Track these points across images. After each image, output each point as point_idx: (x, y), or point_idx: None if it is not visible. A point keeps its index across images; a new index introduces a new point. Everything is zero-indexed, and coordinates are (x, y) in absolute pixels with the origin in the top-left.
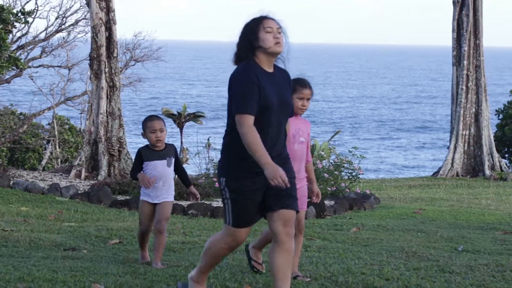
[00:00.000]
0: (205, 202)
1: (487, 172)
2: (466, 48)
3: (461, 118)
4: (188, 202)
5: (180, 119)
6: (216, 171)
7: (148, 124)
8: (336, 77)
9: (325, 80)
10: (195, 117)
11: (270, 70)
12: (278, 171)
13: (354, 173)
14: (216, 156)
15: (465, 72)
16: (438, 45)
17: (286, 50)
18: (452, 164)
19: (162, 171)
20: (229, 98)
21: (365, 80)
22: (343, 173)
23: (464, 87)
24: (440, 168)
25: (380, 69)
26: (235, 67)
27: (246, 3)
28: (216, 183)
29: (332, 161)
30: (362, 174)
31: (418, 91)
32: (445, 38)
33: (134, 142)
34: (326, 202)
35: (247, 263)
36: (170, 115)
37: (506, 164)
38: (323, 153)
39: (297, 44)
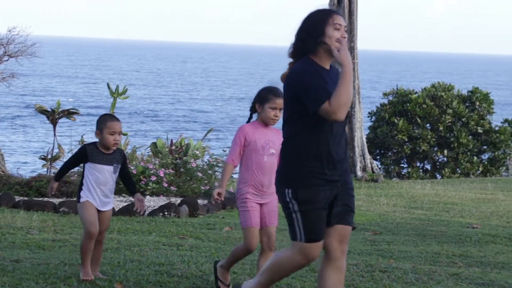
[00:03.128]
0: None
1: (359, 173)
2: None
3: None
4: (60, 200)
5: (53, 115)
6: (275, 182)
7: (109, 124)
8: (216, 78)
9: (206, 79)
10: (69, 113)
11: (328, 67)
12: None
13: None
14: None
15: None
16: None
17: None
18: None
19: (107, 177)
20: (291, 100)
21: (242, 80)
22: (217, 173)
23: None
24: None
25: (257, 69)
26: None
27: (124, 1)
28: None
29: (206, 160)
30: (235, 173)
31: None
32: None
33: (6, 138)
34: (199, 201)
35: (214, 279)
36: (43, 112)
37: (378, 166)
38: (197, 152)
39: (177, 43)
